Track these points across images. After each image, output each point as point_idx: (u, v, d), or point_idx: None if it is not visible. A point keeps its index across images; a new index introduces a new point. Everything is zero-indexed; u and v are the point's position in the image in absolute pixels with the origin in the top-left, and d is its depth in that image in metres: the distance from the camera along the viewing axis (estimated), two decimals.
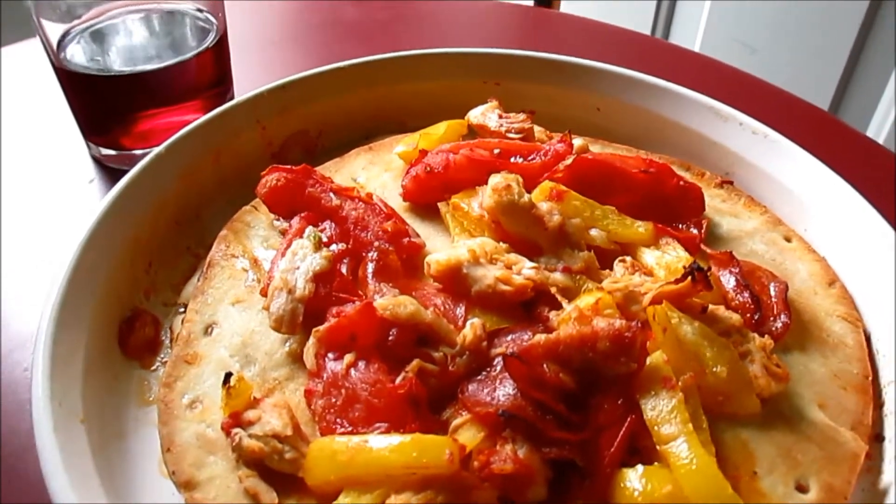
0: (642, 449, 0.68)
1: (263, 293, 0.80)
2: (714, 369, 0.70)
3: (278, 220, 0.91)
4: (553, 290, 0.77)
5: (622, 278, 0.78)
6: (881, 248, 0.85)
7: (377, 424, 0.67)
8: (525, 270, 0.78)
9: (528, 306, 0.78)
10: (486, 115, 1.02)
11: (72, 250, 0.80)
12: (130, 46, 1.10)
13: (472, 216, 0.86)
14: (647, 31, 2.61)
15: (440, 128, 0.99)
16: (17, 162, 1.20)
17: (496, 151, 0.93)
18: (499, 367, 0.71)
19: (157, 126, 1.13)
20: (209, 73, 1.14)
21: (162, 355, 0.85)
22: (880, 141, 2.16)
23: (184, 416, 0.74)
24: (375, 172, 0.99)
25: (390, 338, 0.72)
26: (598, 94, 1.10)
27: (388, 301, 0.73)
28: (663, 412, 0.67)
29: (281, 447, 0.67)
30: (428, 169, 0.91)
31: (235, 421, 0.69)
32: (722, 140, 1.03)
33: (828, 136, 1.27)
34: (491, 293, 0.76)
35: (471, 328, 0.72)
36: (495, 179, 0.83)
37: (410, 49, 1.14)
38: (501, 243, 0.82)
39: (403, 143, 0.99)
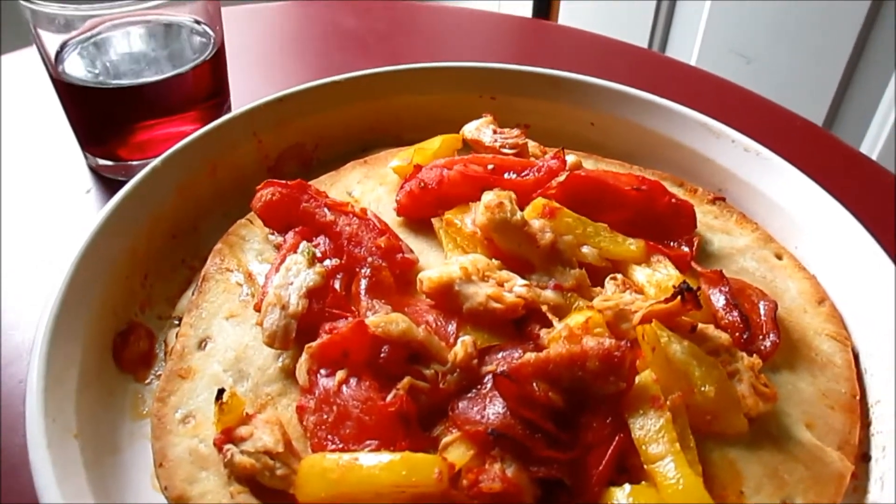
0: (631, 468, 0.69)
1: (257, 308, 0.81)
2: (702, 388, 0.71)
3: (273, 234, 0.92)
4: (544, 308, 0.78)
5: (613, 296, 0.79)
6: (870, 266, 0.86)
7: (368, 442, 0.68)
8: (516, 288, 0.79)
9: (520, 324, 0.78)
10: (480, 129, 1.03)
11: (68, 264, 0.81)
12: (128, 58, 1.11)
13: (465, 232, 0.87)
14: (645, 41, 2.62)
15: (435, 142, 1.00)
16: (15, 171, 1.20)
17: (490, 167, 0.94)
18: (489, 385, 0.71)
19: (154, 137, 1.13)
20: (206, 84, 1.15)
21: (156, 369, 0.85)
22: (875, 153, 2.18)
23: (177, 431, 0.74)
24: (370, 186, 1.00)
25: (382, 355, 0.73)
26: (593, 109, 1.11)
27: (380, 318, 0.73)
28: (651, 431, 0.68)
29: (272, 463, 0.68)
30: (422, 184, 0.91)
31: (227, 437, 0.70)
32: (714, 156, 1.04)
33: (821, 151, 1.28)
34: (482, 311, 0.77)
35: (462, 346, 0.73)
36: (488, 197, 0.84)
37: (409, 59, 1.15)
38: (494, 260, 0.83)
39: (398, 158, 1.00)
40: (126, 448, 0.77)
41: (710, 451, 0.71)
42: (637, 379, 0.71)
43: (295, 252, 0.84)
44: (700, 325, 0.77)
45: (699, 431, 0.70)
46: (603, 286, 0.83)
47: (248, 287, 0.87)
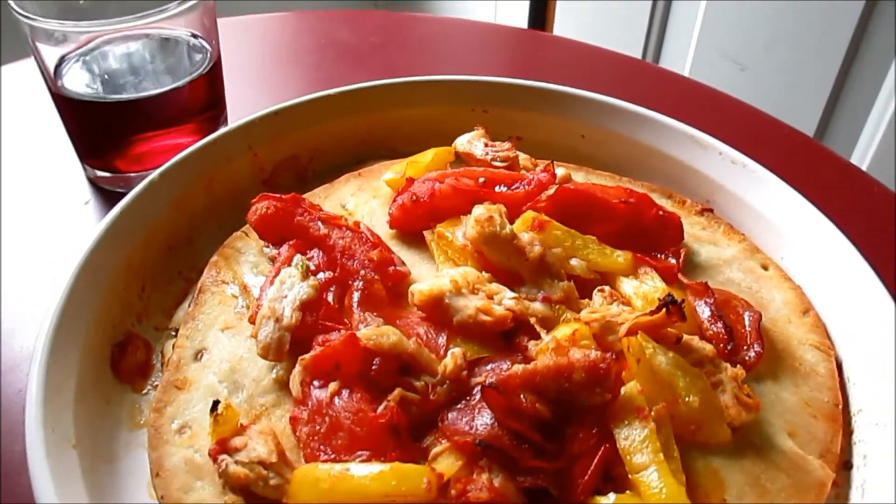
0: (616, 477, 0.70)
1: (252, 320, 0.82)
2: (686, 399, 0.73)
3: (268, 246, 0.93)
4: (532, 320, 0.79)
5: (600, 308, 0.81)
6: (854, 277, 0.88)
7: (359, 452, 0.69)
8: (505, 301, 0.80)
9: (509, 336, 0.80)
10: (472, 143, 1.05)
11: (66, 276, 0.82)
12: (126, 72, 1.13)
13: (456, 245, 0.88)
14: (640, 47, 2.64)
15: (427, 155, 1.02)
16: (15, 182, 1.22)
17: (481, 180, 0.95)
18: (478, 396, 0.73)
19: (151, 149, 1.15)
20: (203, 97, 1.16)
21: (153, 379, 0.87)
22: (865, 163, 2.19)
23: (173, 441, 0.76)
24: (364, 199, 1.01)
25: (374, 367, 0.74)
26: (583, 121, 1.12)
27: (372, 331, 0.75)
28: (636, 442, 0.69)
29: (266, 474, 0.69)
30: (414, 198, 0.93)
31: (222, 447, 0.71)
32: (702, 168, 1.06)
33: (809, 161, 1.30)
34: (472, 323, 0.78)
35: (451, 358, 0.75)
36: (478, 211, 0.86)
37: (404, 71, 1.17)
38: (484, 273, 0.85)
39: (391, 171, 1.02)
40: (123, 457, 0.79)
41: (693, 460, 0.73)
42: (622, 390, 0.72)
43: (289, 265, 0.86)
44: (685, 337, 0.78)
45: (683, 441, 0.72)
46: (591, 298, 0.85)
47: (244, 299, 0.89)
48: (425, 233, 0.93)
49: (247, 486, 0.69)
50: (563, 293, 0.83)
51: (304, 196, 0.98)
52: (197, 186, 1.00)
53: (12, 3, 1.02)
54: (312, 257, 0.88)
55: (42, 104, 1.26)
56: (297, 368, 0.76)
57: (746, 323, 0.84)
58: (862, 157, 2.21)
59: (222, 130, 1.03)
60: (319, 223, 0.90)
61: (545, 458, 0.68)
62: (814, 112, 2.26)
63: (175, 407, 0.79)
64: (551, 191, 0.92)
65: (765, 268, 0.97)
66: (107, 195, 1.19)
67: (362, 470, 0.66)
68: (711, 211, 1.03)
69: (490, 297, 0.81)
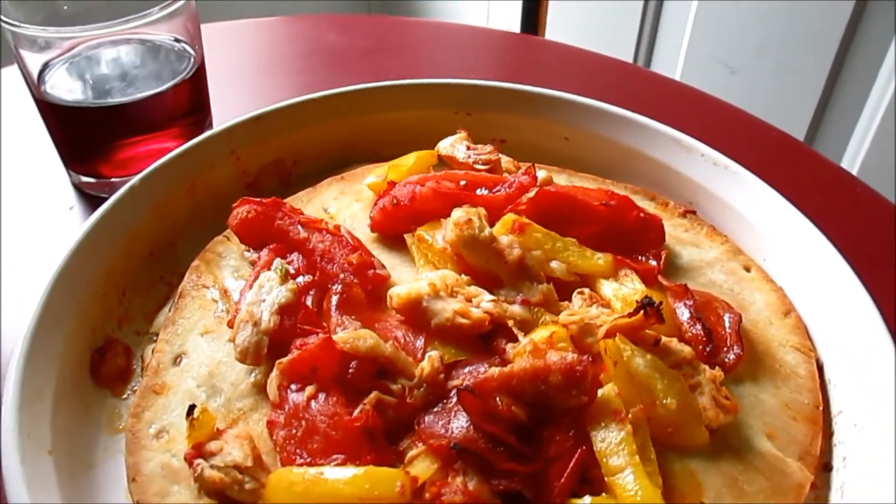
0: (593, 480, 0.70)
1: (231, 324, 0.82)
2: (664, 401, 0.72)
3: (249, 250, 0.93)
4: (510, 323, 0.79)
5: (579, 311, 0.81)
6: (835, 279, 0.88)
7: (334, 456, 0.69)
8: (484, 303, 0.80)
9: (487, 338, 0.80)
10: (454, 146, 1.05)
11: (44, 284, 0.82)
12: (109, 77, 1.13)
13: (436, 248, 0.88)
14: (632, 49, 2.64)
15: (409, 159, 1.02)
16: None
17: (462, 183, 0.95)
18: (455, 399, 0.73)
19: (136, 154, 1.15)
20: (187, 102, 1.16)
21: (133, 384, 0.86)
22: (857, 166, 2.20)
23: (150, 446, 0.76)
24: (346, 202, 1.01)
25: (350, 370, 0.74)
26: (566, 124, 1.12)
27: (348, 335, 0.75)
28: (612, 444, 0.69)
29: (241, 478, 0.69)
30: (395, 201, 0.93)
31: (198, 452, 0.71)
32: (685, 170, 1.06)
33: (796, 163, 1.30)
34: (449, 326, 0.78)
35: (428, 361, 0.75)
36: (457, 213, 0.86)
37: (393, 76, 1.17)
38: (463, 275, 0.84)
39: (373, 174, 1.02)
40: (101, 463, 0.79)
41: (671, 462, 0.72)
42: (600, 392, 0.72)
43: (269, 269, 0.86)
44: (664, 339, 0.78)
45: (661, 443, 0.72)
46: (571, 301, 0.85)
47: (224, 303, 0.88)
48: (406, 236, 0.93)
49: (222, 490, 0.69)
50: (542, 296, 0.83)
51: (286, 200, 0.98)
52: (179, 191, 1.00)
53: None
54: (292, 261, 0.88)
55: (27, 109, 1.25)
56: (275, 372, 0.76)
57: (727, 325, 0.84)
58: (852, 160, 2.22)
59: (204, 135, 1.03)
60: (299, 227, 0.90)
61: (520, 461, 0.68)
62: (804, 115, 2.27)
63: (153, 412, 0.79)
64: (532, 193, 0.92)
65: (747, 269, 0.97)
66: (91, 201, 1.19)
67: (336, 474, 0.66)
68: (694, 213, 1.03)
69: (468, 300, 0.81)
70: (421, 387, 0.74)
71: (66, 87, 1.10)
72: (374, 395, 0.72)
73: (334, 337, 0.75)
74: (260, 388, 0.79)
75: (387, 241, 0.95)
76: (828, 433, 0.81)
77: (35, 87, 1.08)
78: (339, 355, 0.74)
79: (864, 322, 0.83)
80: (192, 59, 1.14)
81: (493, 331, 0.80)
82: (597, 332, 0.78)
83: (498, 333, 0.80)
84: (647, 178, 1.09)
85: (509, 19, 2.91)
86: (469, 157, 1.02)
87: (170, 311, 0.89)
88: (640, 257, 0.92)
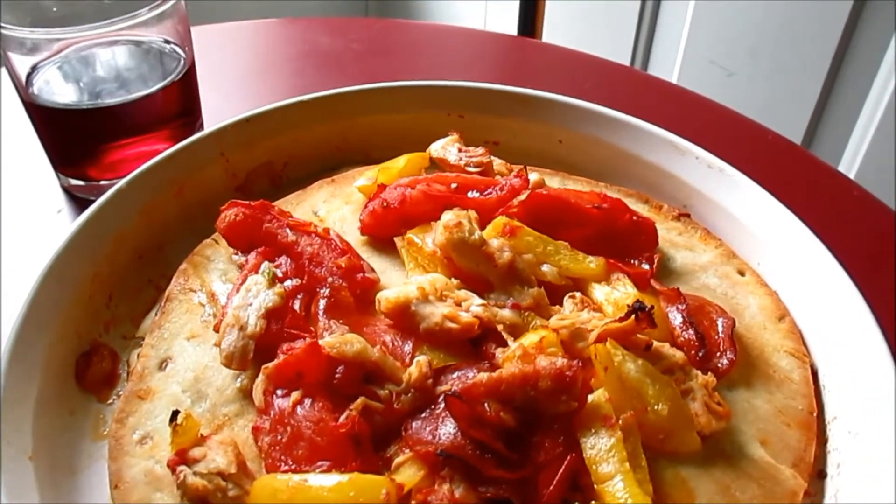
0: (584, 487, 0.69)
1: (217, 329, 0.81)
2: (655, 407, 0.71)
3: (237, 254, 0.92)
4: (500, 327, 0.78)
5: (569, 315, 0.80)
6: (830, 283, 0.87)
7: (319, 462, 0.68)
8: (473, 307, 0.79)
9: (476, 343, 0.79)
10: (446, 148, 1.04)
11: (28, 288, 0.81)
12: (98, 79, 1.12)
13: (426, 252, 0.87)
14: (629, 51, 2.63)
15: (400, 161, 1.01)
16: None
17: (453, 186, 0.94)
18: (443, 405, 0.72)
19: (125, 157, 1.14)
20: (177, 104, 1.15)
21: (119, 389, 0.85)
22: (854, 168, 2.19)
23: (133, 452, 0.75)
24: (336, 205, 1.00)
25: (337, 375, 0.73)
26: (560, 126, 1.11)
27: (335, 339, 0.74)
28: (602, 451, 0.68)
29: (224, 485, 0.68)
30: (385, 204, 0.92)
31: (181, 458, 0.70)
32: (679, 173, 1.05)
33: (792, 165, 1.29)
34: (438, 330, 0.77)
35: (416, 366, 0.73)
36: (447, 216, 0.85)
37: (386, 78, 1.16)
38: (453, 279, 0.83)
39: (364, 177, 1.01)
40: (85, 469, 0.78)
41: (662, 469, 0.71)
42: (590, 398, 0.71)
43: (256, 272, 0.85)
44: (655, 344, 0.77)
45: (652, 450, 0.71)
46: (562, 305, 0.83)
47: (211, 307, 0.87)
48: (396, 239, 0.92)
49: (205, 497, 0.68)
50: (532, 300, 0.82)
51: (275, 203, 0.97)
52: (167, 194, 0.99)
53: None
54: (280, 264, 0.87)
55: (15, 111, 1.24)
56: (260, 377, 0.74)
57: (720, 329, 0.83)
58: (850, 163, 2.21)
59: (193, 137, 1.02)
60: (288, 230, 0.89)
61: (508, 467, 0.67)
62: (802, 118, 2.26)
63: (137, 417, 0.78)
64: (524, 196, 0.91)
65: (741, 273, 0.95)
66: (80, 204, 1.17)
67: (320, 481, 0.65)
68: (688, 216, 1.02)
69: (458, 304, 0.80)
70: (408, 392, 0.72)
71: (54, 90, 1.09)
72: (360, 400, 0.71)
73: (321, 342, 0.73)
74: (246, 394, 0.78)
75: (377, 244, 0.94)
76: (822, 439, 0.80)
77: (23, 90, 1.07)
78: (326, 360, 0.73)
79: (859, 327, 0.82)
80: (182, 61, 1.13)
81: (483, 335, 0.79)
82: (588, 336, 0.77)
83: (488, 338, 0.79)
84: (642, 181, 1.08)
85: (506, 21, 2.90)
86: (461, 159, 1.01)
87: (156, 314, 0.88)
88: (632, 261, 0.91)
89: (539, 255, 0.86)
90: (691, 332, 0.80)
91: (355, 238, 0.94)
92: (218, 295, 0.88)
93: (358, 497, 0.63)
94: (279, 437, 0.71)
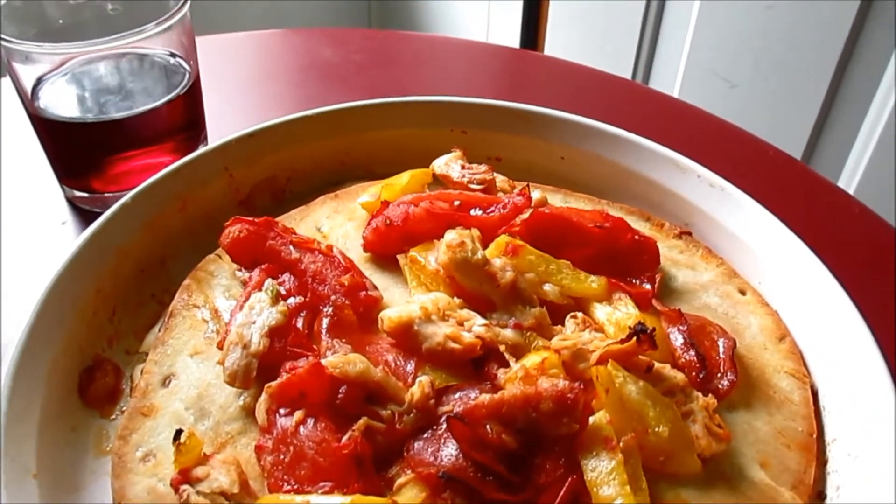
0: None
1: (220, 346, 0.81)
2: (656, 429, 0.72)
3: (241, 269, 0.93)
4: (502, 348, 0.78)
5: (571, 335, 0.80)
6: (830, 304, 0.87)
7: (322, 483, 0.68)
8: (475, 328, 0.79)
9: (479, 363, 0.79)
10: (449, 164, 1.04)
11: (32, 304, 0.82)
12: (104, 92, 1.12)
13: (429, 270, 0.87)
14: (631, 62, 2.64)
15: (403, 177, 1.01)
16: None
17: (456, 203, 0.95)
18: (445, 426, 0.72)
19: (130, 169, 1.14)
20: (182, 117, 1.16)
21: (122, 404, 0.86)
22: (855, 181, 2.19)
23: (136, 470, 0.75)
24: (339, 221, 1.01)
25: (340, 395, 0.74)
26: (562, 143, 1.12)
27: (338, 359, 0.74)
28: (602, 473, 0.68)
29: None
30: (388, 221, 0.92)
31: (184, 477, 0.70)
32: (681, 191, 1.05)
33: (793, 181, 1.30)
34: (440, 350, 0.77)
35: (419, 386, 0.74)
36: (450, 236, 0.85)
37: (388, 90, 1.16)
38: (456, 298, 0.84)
39: (367, 193, 1.01)
40: (87, 485, 0.78)
41: (663, 491, 0.72)
42: (591, 420, 0.71)
43: (260, 290, 0.85)
44: (656, 365, 0.78)
45: (652, 472, 0.71)
46: (564, 324, 0.84)
47: (214, 324, 0.88)
48: (399, 256, 0.92)
49: None
50: (534, 320, 0.82)
51: (279, 218, 0.97)
52: (171, 209, 0.99)
53: None
54: (283, 282, 0.87)
55: (20, 122, 1.25)
56: (263, 396, 0.75)
57: (720, 350, 0.83)
58: (851, 176, 2.21)
59: (197, 152, 1.02)
60: (291, 247, 0.89)
61: (510, 490, 0.67)
62: (803, 128, 2.26)
63: (140, 434, 0.78)
64: (526, 215, 0.92)
65: (742, 292, 0.96)
66: (85, 215, 1.18)
67: (322, 501, 0.65)
68: (690, 234, 1.03)
69: (460, 324, 0.80)
70: (411, 413, 0.73)
71: (59, 102, 1.09)
72: (362, 421, 0.71)
73: (324, 361, 0.74)
74: (249, 412, 0.78)
75: (379, 262, 0.94)
76: (822, 461, 0.80)
77: (28, 102, 1.08)
78: (329, 380, 0.73)
79: (858, 348, 0.82)
80: (188, 75, 1.14)
81: (485, 355, 0.79)
82: (589, 357, 0.77)
83: (490, 358, 0.79)
84: (644, 199, 1.08)
85: (509, 33, 2.91)
86: (464, 176, 1.01)
87: (160, 330, 0.89)
88: (634, 280, 0.91)
89: (541, 274, 0.87)
90: (692, 353, 0.80)
91: (358, 255, 0.94)
92: (221, 311, 0.88)
93: None
94: (282, 457, 0.71)
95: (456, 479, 0.67)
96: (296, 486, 0.69)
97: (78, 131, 1.09)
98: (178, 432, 0.72)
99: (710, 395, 0.78)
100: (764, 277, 0.96)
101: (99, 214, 0.94)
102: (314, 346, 0.81)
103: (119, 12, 1.18)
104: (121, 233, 0.93)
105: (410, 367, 0.78)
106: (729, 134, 1.42)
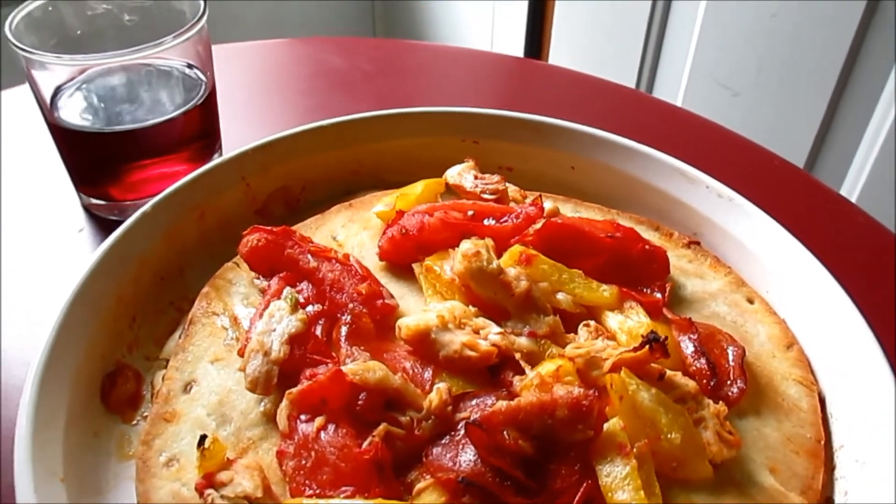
0: None
1: (241, 353, 0.83)
2: (669, 436, 0.73)
3: (259, 278, 0.94)
4: (518, 355, 0.80)
5: (585, 343, 0.82)
6: (836, 311, 0.89)
7: (343, 488, 0.70)
8: (491, 336, 0.81)
9: (494, 370, 0.81)
10: (462, 175, 1.06)
11: (56, 311, 0.83)
12: (121, 102, 1.14)
13: (444, 279, 0.89)
14: (634, 74, 2.66)
15: (417, 187, 1.03)
16: (9, 209, 1.23)
17: (470, 213, 0.96)
18: (462, 432, 0.74)
19: (146, 177, 1.16)
20: (198, 127, 1.18)
21: (143, 410, 0.87)
22: (857, 189, 2.21)
23: (160, 475, 0.77)
24: (354, 230, 1.02)
25: (360, 401, 0.75)
26: (572, 153, 1.14)
27: (358, 367, 0.76)
28: (617, 479, 0.70)
29: None
30: (403, 231, 0.94)
31: (208, 482, 0.72)
32: (689, 201, 1.07)
33: (797, 191, 1.32)
34: (457, 358, 0.79)
35: (437, 393, 0.76)
36: (465, 245, 0.87)
37: (396, 99, 1.18)
38: (471, 307, 0.86)
39: (382, 203, 1.03)
40: (112, 489, 0.80)
41: (675, 497, 0.73)
42: (605, 426, 0.73)
43: (279, 298, 0.87)
44: (668, 373, 0.79)
45: (665, 478, 0.73)
46: (577, 332, 0.86)
47: (234, 331, 0.89)
48: (414, 265, 0.94)
49: None
50: (548, 328, 0.84)
51: (295, 227, 0.99)
52: (189, 218, 1.01)
53: (10, 36, 1.04)
54: (302, 290, 0.89)
55: (38, 130, 1.27)
56: (284, 402, 0.76)
57: (730, 358, 0.85)
58: (853, 184, 2.23)
59: (215, 162, 1.04)
60: (309, 256, 0.91)
61: (527, 494, 0.69)
62: (806, 137, 2.28)
63: (163, 439, 0.80)
64: (539, 225, 0.94)
65: (750, 301, 0.98)
66: (101, 223, 1.20)
67: None
68: (698, 244, 1.05)
69: (476, 332, 0.82)
70: (429, 419, 0.75)
71: (78, 112, 1.11)
72: (382, 426, 0.73)
73: (344, 369, 0.76)
74: (270, 418, 0.80)
75: (394, 271, 0.96)
76: (830, 467, 0.82)
77: (48, 111, 1.10)
78: (349, 387, 0.75)
79: (864, 355, 0.84)
80: (204, 86, 1.16)
81: (501, 363, 0.81)
82: (602, 365, 0.79)
83: (505, 365, 0.81)
84: (652, 208, 1.10)
85: (513, 42, 2.93)
86: (477, 186, 1.03)
87: (180, 337, 0.90)
88: (644, 289, 0.93)
89: (554, 283, 0.88)
90: (703, 361, 0.82)
91: (373, 263, 0.96)
92: (240, 319, 0.90)
93: None
94: (303, 462, 0.73)
95: (475, 484, 0.68)
96: (318, 491, 0.71)
97: (96, 141, 1.11)
98: (203, 437, 0.73)
99: (720, 402, 0.79)
100: (771, 286, 0.98)
101: (115, 222, 0.96)
102: (333, 354, 0.83)
103: (135, 22, 1.20)
104: (142, 241, 0.95)
105: (428, 374, 0.80)
106: (734, 143, 1.44)
